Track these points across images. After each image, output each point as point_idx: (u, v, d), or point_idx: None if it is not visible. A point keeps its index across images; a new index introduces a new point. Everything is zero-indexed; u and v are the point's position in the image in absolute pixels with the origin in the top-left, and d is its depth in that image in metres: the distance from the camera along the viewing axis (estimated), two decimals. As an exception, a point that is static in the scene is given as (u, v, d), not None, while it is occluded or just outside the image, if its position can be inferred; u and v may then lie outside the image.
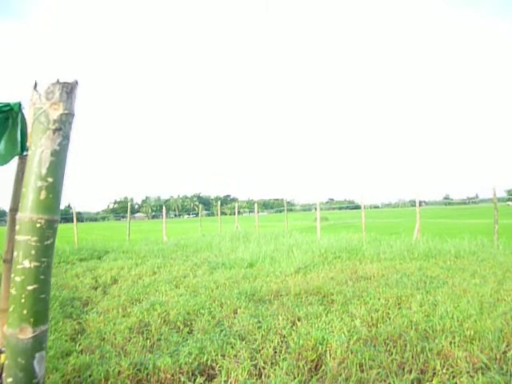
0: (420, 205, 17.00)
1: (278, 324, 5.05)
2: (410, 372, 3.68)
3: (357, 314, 5.36)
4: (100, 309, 6.37)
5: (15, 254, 1.28)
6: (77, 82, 1.39)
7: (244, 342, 4.50)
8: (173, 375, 3.81)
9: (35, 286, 1.26)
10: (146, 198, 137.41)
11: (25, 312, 1.26)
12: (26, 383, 1.26)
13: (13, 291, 1.26)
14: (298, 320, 5.28)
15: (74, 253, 13.19)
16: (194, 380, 3.69)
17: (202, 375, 3.84)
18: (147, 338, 4.87)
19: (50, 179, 1.30)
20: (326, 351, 4.12)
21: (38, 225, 1.29)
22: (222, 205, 31.69)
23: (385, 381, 3.59)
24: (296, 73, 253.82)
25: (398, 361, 3.89)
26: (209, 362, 4.06)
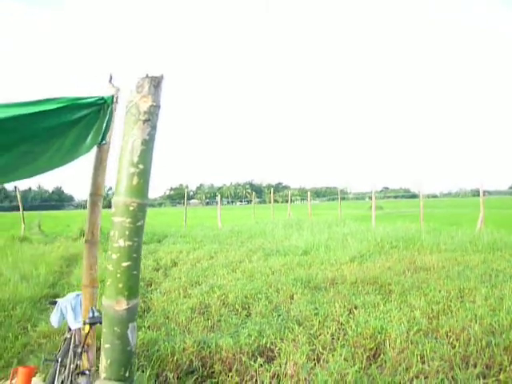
0: (483, 194, 16.04)
1: (335, 311, 5.06)
2: (475, 366, 3.57)
3: (416, 305, 5.24)
4: (163, 289, 6.72)
5: (112, 233, 1.43)
6: (163, 76, 1.49)
7: (301, 327, 4.57)
8: (234, 355, 3.97)
9: (129, 263, 1.40)
10: (200, 185, 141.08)
11: (120, 286, 1.40)
12: (121, 350, 1.41)
13: (110, 267, 1.41)
14: (355, 308, 5.26)
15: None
16: (255, 360, 3.81)
17: (261, 356, 3.96)
18: (208, 319, 5.10)
19: (140, 166, 1.42)
20: (384, 340, 4.09)
21: (131, 208, 1.42)
22: (273, 192, 31.81)
23: (447, 373, 3.51)
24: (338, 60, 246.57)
25: (461, 354, 3.77)
26: (268, 345, 4.17)
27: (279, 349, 4.05)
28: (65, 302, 3.40)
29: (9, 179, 2.46)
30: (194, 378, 3.78)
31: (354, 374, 3.49)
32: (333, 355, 3.84)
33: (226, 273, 7.80)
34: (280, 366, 3.71)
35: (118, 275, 1.39)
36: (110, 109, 1.70)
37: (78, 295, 3.44)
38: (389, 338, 4.10)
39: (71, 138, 1.89)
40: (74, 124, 1.65)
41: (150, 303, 6.01)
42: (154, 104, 1.44)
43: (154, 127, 1.46)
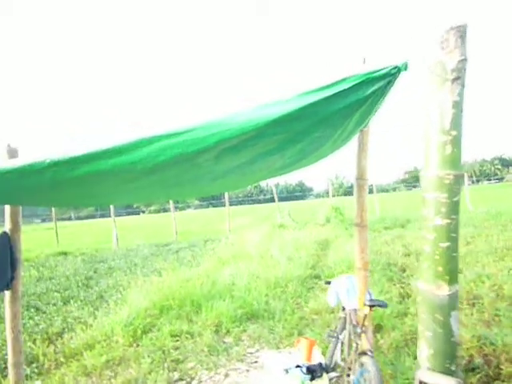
0: None
1: None
2: None
3: None
4: (420, 276, 6.35)
5: (425, 211, 1.31)
6: (467, 24, 1.26)
7: None
8: (529, 358, 3.32)
9: (448, 243, 1.25)
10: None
11: (440, 269, 1.26)
12: (444, 340, 1.27)
13: (426, 248, 1.29)
14: None
15: (377, 222, 13.83)
16: (561, 368, 3.09)
17: None
18: (482, 311, 4.49)
19: (453, 132, 1.25)
20: None
21: (446, 181, 1.26)
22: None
23: None
24: None
25: None
26: None
27: None
28: (338, 283, 3.56)
29: (298, 166, 2.69)
30: (478, 376, 3.35)
31: None
32: None
33: (492, 260, 6.75)
34: None
35: (437, 257, 1.26)
36: (394, 81, 1.58)
37: (349, 277, 3.55)
38: None
39: (355, 118, 1.87)
40: (362, 102, 1.61)
41: (408, 289, 5.77)
42: (462, 58, 1.23)
43: (463, 85, 1.25)
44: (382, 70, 1.44)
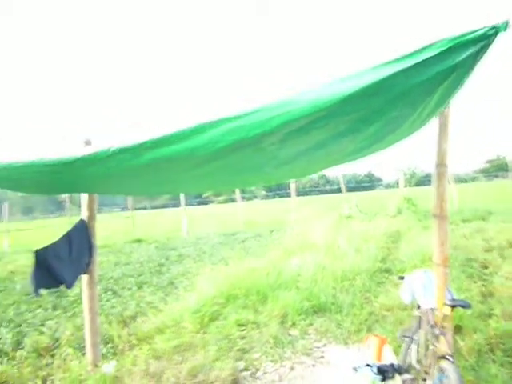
0: None
1: None
2: None
3: None
4: (504, 273, 5.77)
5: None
6: None
7: None
8: None
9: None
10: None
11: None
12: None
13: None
14: None
15: (455, 213, 12.89)
16: None
17: None
18: None
19: None
20: None
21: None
22: None
23: None
24: None
25: None
26: None
27: None
28: (414, 279, 3.30)
29: (371, 151, 2.49)
30: None
31: None
32: None
33: None
34: None
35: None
36: (489, 45, 1.33)
37: (425, 272, 3.27)
38: None
39: (438, 94, 1.63)
40: (448, 74, 1.39)
41: (491, 287, 5.27)
42: None
43: None
44: (475, 32, 1.21)
